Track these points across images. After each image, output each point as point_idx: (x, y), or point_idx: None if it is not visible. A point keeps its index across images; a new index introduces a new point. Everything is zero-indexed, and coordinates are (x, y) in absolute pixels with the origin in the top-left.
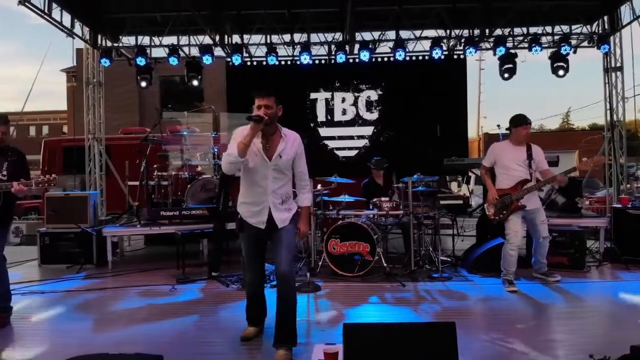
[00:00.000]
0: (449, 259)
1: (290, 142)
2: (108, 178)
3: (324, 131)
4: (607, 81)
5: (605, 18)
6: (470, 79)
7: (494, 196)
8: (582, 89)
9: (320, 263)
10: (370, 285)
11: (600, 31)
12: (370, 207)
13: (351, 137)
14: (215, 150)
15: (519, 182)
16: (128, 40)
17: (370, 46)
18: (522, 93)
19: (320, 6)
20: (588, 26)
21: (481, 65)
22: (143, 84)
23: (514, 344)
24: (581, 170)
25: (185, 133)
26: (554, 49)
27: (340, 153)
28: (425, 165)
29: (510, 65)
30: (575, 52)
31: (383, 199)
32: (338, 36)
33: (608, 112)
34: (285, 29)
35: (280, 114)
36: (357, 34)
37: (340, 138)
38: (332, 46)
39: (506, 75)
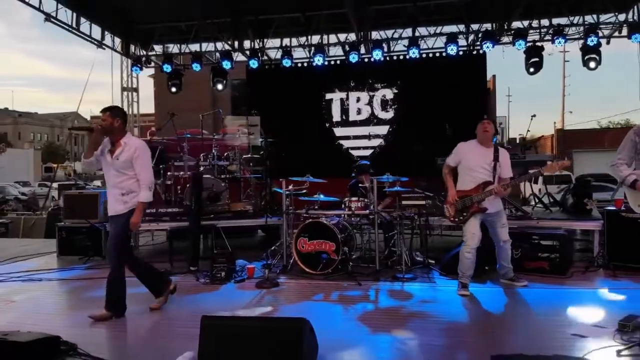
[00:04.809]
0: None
1: (127, 148)
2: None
3: (339, 131)
4: None
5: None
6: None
7: (453, 197)
8: None
9: (291, 261)
10: (329, 284)
11: (633, 19)
12: (342, 206)
13: (366, 137)
14: (214, 151)
15: (481, 184)
16: (161, 49)
17: (383, 45)
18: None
19: (333, 8)
20: (623, 15)
21: (565, 57)
22: (173, 89)
23: (409, 346)
24: (546, 174)
25: (188, 135)
26: (583, 40)
27: (355, 153)
28: (424, 166)
29: (537, 59)
30: (608, 42)
31: (353, 198)
32: (353, 37)
33: None
34: (301, 32)
35: (116, 125)
36: (373, 33)
37: (356, 137)
38: (347, 46)
39: (532, 69)
